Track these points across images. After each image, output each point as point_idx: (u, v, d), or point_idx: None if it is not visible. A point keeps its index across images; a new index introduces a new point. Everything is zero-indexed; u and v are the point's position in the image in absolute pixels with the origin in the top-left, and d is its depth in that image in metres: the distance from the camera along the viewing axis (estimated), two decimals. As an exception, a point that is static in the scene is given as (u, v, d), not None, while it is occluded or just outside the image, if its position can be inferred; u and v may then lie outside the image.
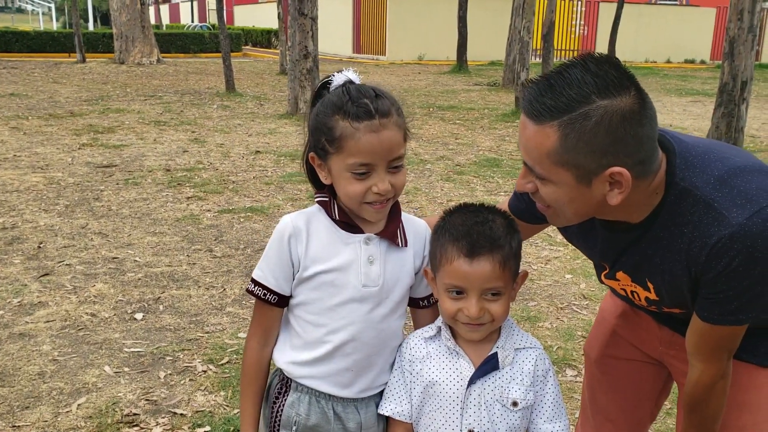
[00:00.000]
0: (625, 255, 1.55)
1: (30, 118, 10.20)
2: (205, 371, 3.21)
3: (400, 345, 1.58)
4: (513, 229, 1.47)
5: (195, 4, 44.15)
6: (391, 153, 1.42)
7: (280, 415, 1.57)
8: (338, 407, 1.55)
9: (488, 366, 1.47)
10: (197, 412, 2.88)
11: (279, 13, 18.72)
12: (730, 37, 8.79)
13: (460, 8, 19.50)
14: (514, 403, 1.46)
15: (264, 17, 34.16)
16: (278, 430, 1.58)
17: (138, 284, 4.20)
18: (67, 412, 2.86)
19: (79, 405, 2.91)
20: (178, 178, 6.89)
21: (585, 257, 1.88)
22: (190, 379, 3.14)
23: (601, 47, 24.97)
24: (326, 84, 1.51)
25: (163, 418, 2.83)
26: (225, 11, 15.04)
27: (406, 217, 1.59)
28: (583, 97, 1.29)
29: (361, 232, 1.52)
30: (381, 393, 1.58)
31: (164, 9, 49.90)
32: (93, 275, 4.32)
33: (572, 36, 27.64)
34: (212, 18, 37.13)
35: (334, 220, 1.52)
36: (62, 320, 3.68)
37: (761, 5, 8.90)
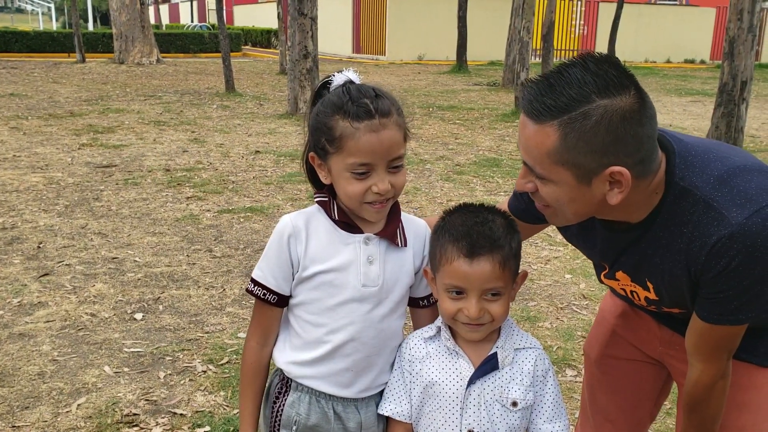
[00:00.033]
0: (625, 255, 1.55)
1: (30, 118, 10.20)
2: (204, 371, 3.21)
3: (400, 345, 1.58)
4: (513, 229, 1.47)
5: (194, 3, 44.16)
6: (391, 153, 1.42)
7: (281, 415, 1.57)
8: (338, 407, 1.55)
9: (488, 366, 1.47)
10: (197, 412, 2.88)
11: (279, 13, 18.72)
12: (729, 37, 8.79)
13: (460, 8, 19.50)
14: (514, 403, 1.46)
15: (264, 17, 34.16)
16: (278, 429, 1.58)
17: (138, 284, 4.20)
18: (67, 412, 2.86)
19: (78, 405, 2.91)
20: (178, 178, 6.89)
21: (585, 257, 1.88)
22: (189, 379, 3.14)
23: (601, 47, 24.98)
24: (326, 84, 1.51)
25: (163, 418, 2.83)
26: (224, 11, 15.04)
27: (405, 217, 1.59)
28: (583, 96, 1.29)
29: (361, 232, 1.51)
30: (381, 393, 1.58)
31: (164, 9, 49.92)
32: (93, 275, 4.32)
33: (572, 36, 27.65)
34: (212, 18, 37.13)
35: (333, 220, 1.52)
36: (62, 320, 3.68)
37: (761, 5, 8.90)
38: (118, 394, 3.00)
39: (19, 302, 3.89)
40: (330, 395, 1.55)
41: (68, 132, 9.15)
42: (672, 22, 29.17)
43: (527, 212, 1.69)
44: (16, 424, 2.76)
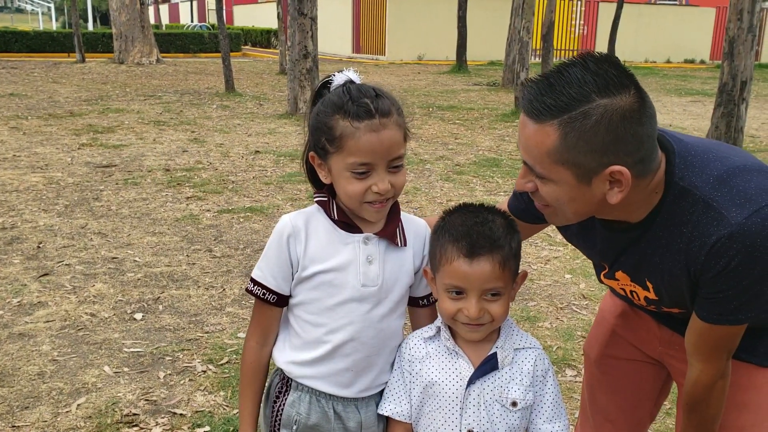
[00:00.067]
0: (625, 254, 1.55)
1: (29, 118, 10.20)
2: (204, 371, 3.21)
3: (400, 345, 1.58)
4: (513, 229, 1.47)
5: (194, 3, 44.16)
6: (391, 153, 1.42)
7: (281, 415, 1.57)
8: (338, 406, 1.55)
9: (487, 366, 1.47)
10: (197, 412, 2.88)
11: (278, 13, 18.73)
12: (729, 37, 8.79)
13: (460, 8, 19.50)
14: (514, 403, 1.46)
15: (263, 17, 34.16)
16: (279, 429, 1.58)
17: (137, 284, 4.20)
18: (67, 412, 2.86)
19: (78, 405, 2.91)
20: (178, 178, 6.89)
21: (584, 257, 1.88)
22: (189, 379, 3.14)
23: (601, 47, 24.98)
24: (327, 84, 1.51)
25: (163, 418, 2.83)
26: (224, 11, 15.04)
27: (405, 216, 1.59)
28: (583, 95, 1.29)
29: (360, 231, 1.51)
30: (381, 392, 1.58)
31: (164, 9, 49.91)
32: (92, 275, 4.31)
33: (572, 36, 27.65)
34: (212, 18, 37.13)
35: (333, 220, 1.52)
36: (62, 320, 3.68)
37: (761, 5, 8.90)
38: (118, 394, 3.00)
39: (18, 302, 3.89)
40: (330, 395, 1.55)
41: (68, 132, 9.15)
42: (672, 22, 29.17)
43: (527, 212, 1.69)
44: (16, 424, 2.76)
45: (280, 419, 1.57)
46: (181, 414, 2.86)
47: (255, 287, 1.55)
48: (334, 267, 1.50)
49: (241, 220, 5.57)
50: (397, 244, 1.54)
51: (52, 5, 49.80)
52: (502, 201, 1.83)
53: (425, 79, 18.45)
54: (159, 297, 4.03)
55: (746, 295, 1.38)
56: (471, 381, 1.46)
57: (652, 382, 1.89)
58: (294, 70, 10.89)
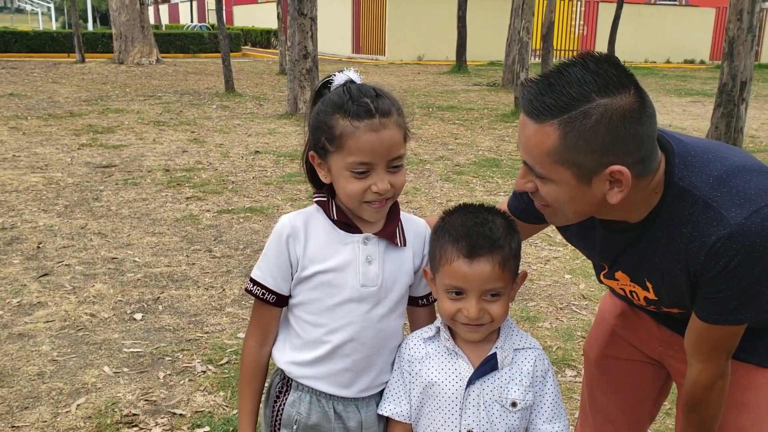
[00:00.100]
0: (624, 255, 1.55)
1: (29, 118, 10.20)
2: (204, 371, 3.21)
3: (400, 345, 1.58)
4: (513, 229, 1.47)
5: (194, 4, 44.16)
6: (391, 152, 1.42)
7: (281, 415, 1.57)
8: (339, 406, 1.55)
9: (487, 366, 1.47)
10: (196, 412, 2.88)
11: (278, 13, 18.73)
12: (729, 37, 8.79)
13: (460, 8, 19.50)
14: (513, 404, 1.46)
15: (263, 17, 34.16)
16: (279, 429, 1.58)
17: (137, 284, 4.20)
18: (67, 412, 2.86)
19: (78, 405, 2.91)
20: (178, 178, 6.89)
21: (584, 257, 1.88)
22: (189, 380, 3.14)
23: (601, 47, 24.97)
24: (327, 83, 1.51)
25: (163, 418, 2.83)
26: (224, 11, 15.04)
27: (405, 216, 1.59)
28: (583, 95, 1.29)
29: (360, 231, 1.51)
30: (382, 392, 1.58)
31: (163, 9, 49.92)
32: (92, 275, 4.31)
33: (571, 36, 27.64)
34: (211, 18, 37.12)
35: (332, 220, 1.52)
36: (61, 320, 3.68)
37: (760, 5, 8.90)
38: (118, 395, 3.00)
39: (18, 302, 3.89)
40: (330, 395, 1.55)
41: (68, 132, 9.15)
42: (672, 22, 29.18)
43: (527, 212, 1.69)
44: (16, 425, 2.76)
45: (280, 419, 1.58)
46: (180, 414, 2.86)
47: (254, 287, 1.55)
48: (333, 267, 1.50)
49: (241, 220, 5.57)
50: (397, 244, 1.54)
51: (51, 5, 49.80)
52: (501, 201, 1.83)
53: (425, 80, 18.45)
54: (159, 297, 4.03)
55: (746, 296, 1.38)
56: (470, 381, 1.46)
57: (652, 383, 1.89)
58: (294, 71, 10.89)
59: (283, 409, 1.57)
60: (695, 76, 22.20)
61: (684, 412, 1.58)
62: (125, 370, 3.21)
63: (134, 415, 2.85)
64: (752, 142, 9.89)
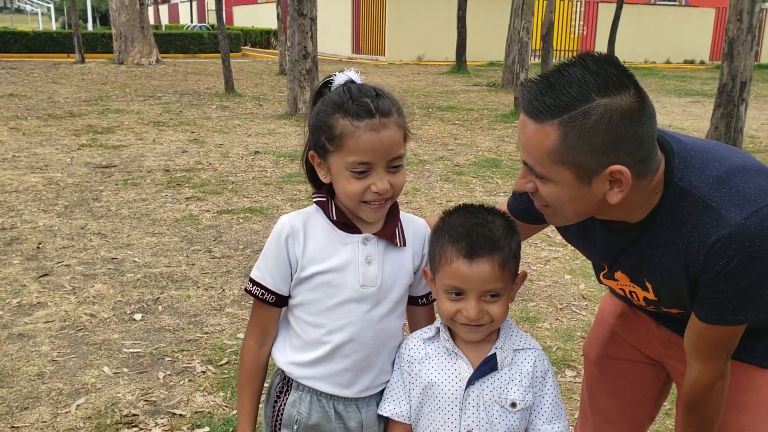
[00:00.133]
0: (624, 255, 1.55)
1: (29, 118, 10.20)
2: (204, 372, 3.20)
3: (399, 346, 1.58)
4: (512, 230, 1.47)
5: (194, 4, 44.16)
6: (390, 152, 1.42)
7: (282, 414, 1.57)
8: (339, 406, 1.55)
9: (487, 367, 1.47)
10: (196, 412, 2.88)
11: (278, 14, 18.73)
12: (729, 37, 8.79)
13: (460, 8, 19.51)
14: (513, 404, 1.46)
15: (263, 17, 34.16)
16: (280, 429, 1.58)
17: (137, 285, 4.20)
18: (66, 412, 2.86)
19: (78, 406, 2.90)
20: (177, 178, 6.89)
21: (584, 258, 1.88)
22: (189, 380, 3.13)
23: (601, 48, 24.97)
24: (327, 83, 1.51)
25: (162, 418, 2.83)
26: (224, 11, 15.04)
27: (405, 216, 1.59)
28: (583, 95, 1.29)
29: (359, 232, 1.51)
30: (382, 392, 1.58)
31: (163, 9, 49.92)
32: (92, 276, 4.31)
33: (571, 36, 27.65)
34: (211, 18, 37.13)
35: (331, 220, 1.52)
36: (61, 321, 3.68)
37: (760, 6, 8.90)
38: (118, 395, 2.99)
39: (18, 303, 3.88)
40: (331, 395, 1.55)
41: (68, 132, 9.14)
42: (671, 22, 29.18)
43: (527, 212, 1.69)
44: (16, 425, 2.76)
45: (281, 419, 1.58)
46: (180, 414, 2.86)
47: (254, 287, 1.55)
48: (332, 268, 1.50)
49: (241, 220, 5.57)
50: (396, 244, 1.54)
51: (51, 6, 49.79)
52: (501, 201, 1.83)
53: (425, 80, 18.45)
54: (158, 297, 4.03)
55: (745, 296, 1.38)
56: (470, 382, 1.46)
57: (652, 383, 1.89)
58: (293, 71, 10.89)
59: (283, 409, 1.57)
60: (695, 77, 22.20)
61: (683, 412, 1.58)
62: (125, 370, 3.21)
63: (134, 415, 2.85)
64: (752, 142, 9.89)
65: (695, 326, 1.48)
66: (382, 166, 1.43)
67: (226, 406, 2.92)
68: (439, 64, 23.89)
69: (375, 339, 1.53)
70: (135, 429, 2.76)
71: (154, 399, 2.97)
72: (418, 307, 1.63)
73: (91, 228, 5.24)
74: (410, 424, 1.54)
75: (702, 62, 29.55)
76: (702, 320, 1.45)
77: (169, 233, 5.19)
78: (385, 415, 1.55)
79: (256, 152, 8.27)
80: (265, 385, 1.66)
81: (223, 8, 14.70)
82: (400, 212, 1.57)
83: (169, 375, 3.18)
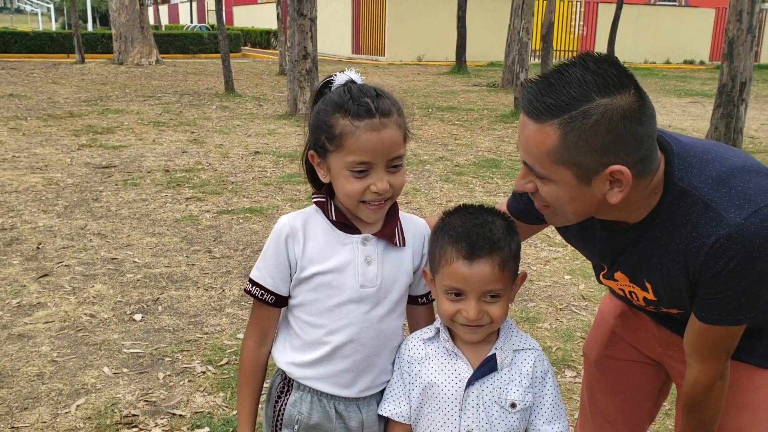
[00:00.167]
0: (624, 255, 1.55)
1: (29, 118, 10.20)
2: (204, 372, 3.20)
3: (399, 346, 1.58)
4: (512, 230, 1.47)
5: (194, 4, 44.16)
6: (390, 152, 1.42)
7: (283, 414, 1.57)
8: (340, 406, 1.55)
9: (487, 367, 1.46)
10: (196, 413, 2.88)
11: (278, 14, 18.73)
12: (729, 38, 8.79)
13: (459, 9, 19.51)
14: (513, 405, 1.46)
15: (263, 18, 34.16)
16: (280, 429, 1.58)
17: (137, 285, 4.20)
18: (66, 413, 2.86)
19: (78, 406, 2.90)
20: (177, 178, 6.89)
21: (584, 258, 1.88)
22: (189, 380, 3.13)
23: (600, 48, 24.97)
24: (328, 83, 1.51)
25: (162, 419, 2.83)
26: (224, 12, 15.04)
27: (404, 216, 1.59)
28: (584, 95, 1.29)
29: (359, 232, 1.51)
30: (383, 391, 1.58)
31: (163, 9, 49.92)
32: (92, 276, 4.31)
33: (571, 37, 27.65)
34: (211, 18, 37.12)
35: (331, 220, 1.52)
36: (61, 321, 3.68)
37: (760, 6, 8.90)
38: (118, 395, 2.99)
39: (18, 303, 3.88)
40: (331, 395, 1.55)
41: (67, 133, 9.14)
42: (671, 22, 29.19)
43: (526, 213, 1.69)
44: (15, 425, 2.76)
45: (281, 419, 1.58)
46: (180, 415, 2.86)
47: (253, 288, 1.55)
48: (332, 268, 1.50)
49: (241, 220, 5.57)
50: (396, 245, 1.54)
51: (51, 6, 49.79)
52: (501, 202, 1.83)
53: (425, 80, 18.45)
54: (158, 298, 4.03)
55: (745, 296, 1.38)
56: (470, 382, 1.46)
57: (652, 383, 1.89)
58: (293, 71, 10.89)
59: (284, 409, 1.57)
60: (695, 77, 22.21)
61: (683, 412, 1.58)
62: (125, 370, 3.21)
63: (134, 415, 2.85)
64: (752, 142, 9.89)
65: (695, 326, 1.48)
66: (382, 166, 1.43)
67: (226, 407, 2.92)
68: (439, 65, 23.90)
69: (375, 339, 1.53)
70: (135, 429, 2.76)
71: (154, 399, 2.97)
72: (418, 306, 1.64)
73: (91, 228, 5.24)
74: (410, 425, 1.54)
75: (702, 62, 29.56)
76: (702, 320, 1.45)
77: (169, 233, 5.19)
78: (385, 415, 1.55)
79: (256, 152, 8.27)
80: (266, 385, 1.66)
81: (223, 8, 14.70)
82: (400, 212, 1.57)
83: (169, 375, 3.18)
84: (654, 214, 1.44)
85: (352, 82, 1.48)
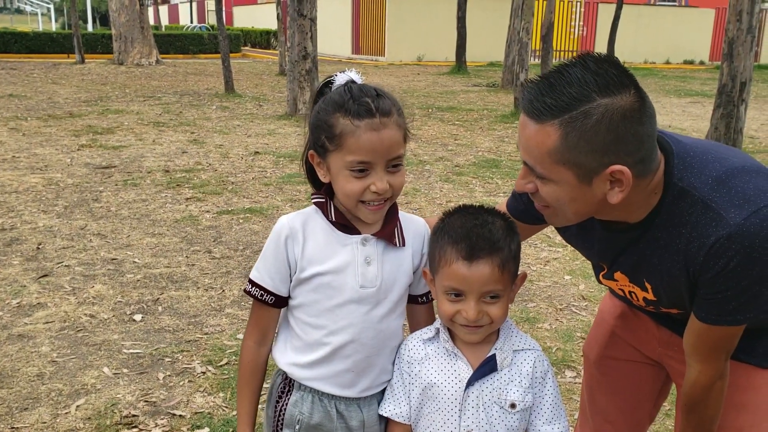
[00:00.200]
0: (624, 255, 1.55)
1: (29, 119, 10.20)
2: (204, 372, 3.20)
3: (399, 346, 1.58)
4: (512, 231, 1.46)
5: (194, 4, 44.16)
6: (390, 152, 1.42)
7: (284, 414, 1.58)
8: (341, 406, 1.55)
9: (486, 368, 1.46)
10: (196, 413, 2.88)
11: (278, 14, 18.73)
12: (729, 38, 8.79)
13: (459, 9, 19.51)
14: (513, 405, 1.46)
15: (263, 18, 34.17)
16: (281, 429, 1.58)
17: (137, 285, 4.20)
18: (66, 413, 2.86)
19: (78, 406, 2.90)
20: (177, 179, 6.89)
21: (584, 258, 1.88)
22: (189, 381, 3.13)
23: (600, 48, 24.96)
24: (328, 83, 1.52)
25: (162, 419, 2.83)
26: (224, 12, 15.04)
27: (404, 216, 1.59)
28: (584, 95, 1.29)
29: (358, 233, 1.51)
30: (383, 391, 1.58)
31: (163, 10, 49.91)
32: (92, 276, 4.31)
33: (571, 37, 27.65)
34: (211, 19, 37.13)
35: (330, 221, 1.52)
36: (61, 321, 3.68)
37: (760, 6, 8.90)
38: (118, 396, 2.99)
39: (18, 303, 3.88)
40: (332, 395, 1.55)
41: (67, 133, 9.14)
42: (671, 23, 29.20)
43: (526, 213, 1.69)
44: (15, 426, 2.76)
45: (282, 419, 1.58)
46: (180, 415, 2.86)
47: (253, 288, 1.55)
48: (332, 269, 1.50)
49: (241, 221, 5.57)
50: (396, 245, 1.54)
51: (51, 6, 49.79)
52: (501, 202, 1.83)
53: (425, 80, 18.46)
54: (158, 298, 4.03)
55: (745, 296, 1.38)
56: (470, 383, 1.46)
57: (652, 383, 1.89)
58: (293, 71, 10.89)
59: (285, 410, 1.57)
60: (695, 77, 22.21)
61: (683, 412, 1.58)
62: (125, 371, 3.21)
63: (134, 416, 2.85)
64: (752, 142, 9.89)
65: (695, 326, 1.48)
66: (382, 165, 1.43)
67: (226, 407, 2.92)
68: (439, 65, 23.90)
69: (375, 339, 1.53)
70: (135, 430, 2.76)
71: (154, 400, 2.97)
72: (418, 306, 1.64)
73: (91, 228, 5.24)
74: (410, 425, 1.53)
75: (702, 63, 29.56)
76: (701, 320, 1.45)
77: (168, 234, 5.19)
78: (385, 415, 1.55)
79: (256, 153, 8.27)
80: (266, 385, 1.66)
81: (223, 9, 14.70)
82: (400, 212, 1.57)
83: (169, 376, 3.18)
84: (654, 214, 1.44)
85: (353, 82, 1.48)
